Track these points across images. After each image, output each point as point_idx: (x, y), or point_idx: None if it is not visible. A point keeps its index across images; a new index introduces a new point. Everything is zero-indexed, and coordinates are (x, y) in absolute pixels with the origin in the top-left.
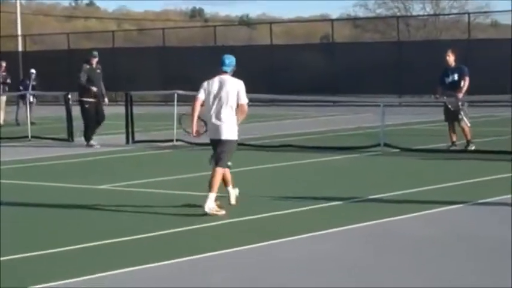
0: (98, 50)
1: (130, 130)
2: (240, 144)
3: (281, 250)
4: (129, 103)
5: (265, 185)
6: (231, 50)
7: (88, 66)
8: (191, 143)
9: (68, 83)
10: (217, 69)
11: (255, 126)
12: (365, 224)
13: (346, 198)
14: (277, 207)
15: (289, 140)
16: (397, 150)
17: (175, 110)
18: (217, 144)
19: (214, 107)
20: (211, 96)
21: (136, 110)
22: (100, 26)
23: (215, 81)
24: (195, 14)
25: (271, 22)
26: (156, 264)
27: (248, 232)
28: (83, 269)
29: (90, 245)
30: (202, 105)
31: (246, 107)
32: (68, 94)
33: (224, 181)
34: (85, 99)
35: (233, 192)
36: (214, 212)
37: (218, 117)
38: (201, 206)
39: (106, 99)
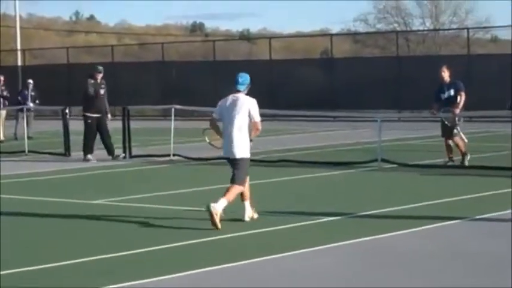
0: (97, 65)
1: (127, 145)
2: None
3: (282, 264)
4: (126, 117)
5: (264, 200)
6: (231, 65)
7: (92, 81)
8: (188, 158)
9: (67, 97)
10: (231, 88)
11: (254, 140)
12: (363, 239)
13: (344, 213)
14: (276, 222)
15: (288, 155)
16: (395, 165)
17: (173, 124)
18: (230, 162)
19: (226, 125)
20: (224, 115)
21: (135, 124)
22: (101, 41)
23: (228, 100)
24: (196, 28)
25: (270, 37)
26: (155, 279)
27: (248, 247)
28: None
29: (78, 261)
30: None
31: (259, 125)
32: (65, 108)
33: (242, 195)
34: (88, 114)
35: (249, 209)
36: (214, 218)
37: (230, 136)
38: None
39: (109, 115)
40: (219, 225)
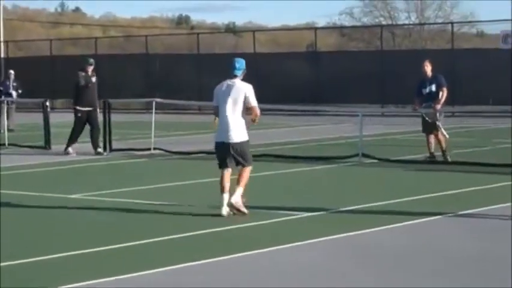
0: (81, 57)
1: (107, 138)
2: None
3: (265, 259)
4: (107, 111)
5: (247, 194)
6: (214, 58)
7: (83, 74)
8: (169, 152)
9: (50, 89)
10: (215, 80)
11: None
12: (345, 234)
13: (326, 208)
14: (258, 217)
15: (270, 149)
16: (375, 160)
17: (153, 118)
18: (223, 147)
19: (222, 110)
20: (220, 100)
21: (116, 117)
22: (86, 33)
23: (224, 85)
24: (182, 21)
25: (254, 30)
26: (132, 274)
27: (231, 242)
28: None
29: (53, 256)
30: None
31: (257, 109)
32: (46, 101)
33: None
34: (79, 107)
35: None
36: (239, 207)
37: (227, 121)
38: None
39: (98, 109)
40: (246, 210)
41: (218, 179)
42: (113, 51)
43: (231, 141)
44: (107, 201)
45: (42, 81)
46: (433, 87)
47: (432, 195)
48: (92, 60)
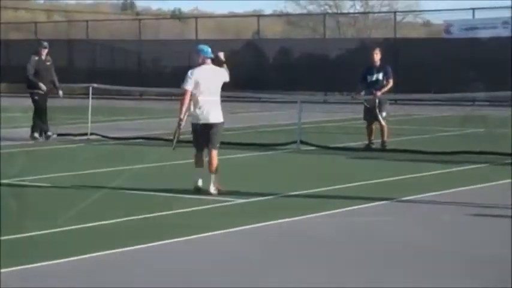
0: (24, 42)
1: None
2: (157, 139)
3: (192, 247)
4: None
5: (180, 181)
6: (158, 44)
7: (36, 58)
8: (106, 137)
9: None
10: (199, 57)
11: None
12: (280, 221)
13: (261, 194)
14: (189, 203)
15: None
16: (314, 147)
17: (90, 102)
18: (205, 128)
19: (203, 93)
20: (201, 84)
21: (54, 103)
22: (30, 17)
23: (204, 69)
24: (127, 7)
25: (197, 17)
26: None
27: (161, 228)
28: None
29: None
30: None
31: None
32: None
33: (210, 166)
34: (32, 91)
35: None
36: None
37: (208, 103)
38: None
39: (60, 92)
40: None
41: (157, 164)
42: (55, 36)
43: (209, 121)
44: (40, 186)
45: None
46: (380, 76)
47: (370, 182)
48: (45, 44)
